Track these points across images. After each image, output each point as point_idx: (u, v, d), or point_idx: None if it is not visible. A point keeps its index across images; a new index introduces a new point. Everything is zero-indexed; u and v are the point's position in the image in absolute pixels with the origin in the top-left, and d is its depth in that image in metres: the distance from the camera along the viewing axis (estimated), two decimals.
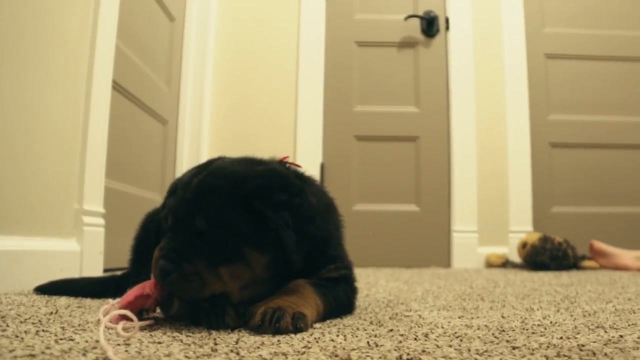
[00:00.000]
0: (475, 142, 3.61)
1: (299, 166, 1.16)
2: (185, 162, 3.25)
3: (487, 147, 3.62)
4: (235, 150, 3.45)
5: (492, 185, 3.60)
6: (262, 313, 0.90)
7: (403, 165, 3.64)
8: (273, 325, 0.88)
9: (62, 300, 1.28)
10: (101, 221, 2.00)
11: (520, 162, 3.62)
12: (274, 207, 0.96)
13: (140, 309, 0.97)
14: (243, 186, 0.97)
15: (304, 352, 0.75)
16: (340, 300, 1.11)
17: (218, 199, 0.96)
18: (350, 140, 3.66)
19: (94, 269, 1.91)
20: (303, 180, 1.13)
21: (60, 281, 1.48)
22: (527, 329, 0.97)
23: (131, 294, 0.97)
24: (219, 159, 1.08)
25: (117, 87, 2.30)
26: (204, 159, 3.37)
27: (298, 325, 0.90)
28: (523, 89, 3.68)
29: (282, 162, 1.14)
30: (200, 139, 3.36)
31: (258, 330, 0.88)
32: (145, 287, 0.97)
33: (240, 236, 0.95)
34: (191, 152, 3.30)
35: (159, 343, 0.78)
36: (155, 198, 2.81)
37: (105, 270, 2.01)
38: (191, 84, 3.34)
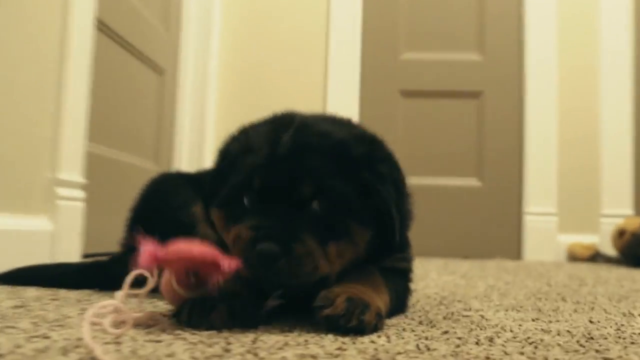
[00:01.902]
0: (556, 99, 3.54)
1: None
2: (187, 121, 3.28)
3: (572, 105, 3.56)
4: (249, 108, 3.48)
5: (579, 154, 3.54)
6: (347, 301, 0.91)
7: (462, 128, 3.62)
8: (357, 318, 0.90)
9: (31, 292, 1.32)
10: (81, 194, 2.04)
11: (617, 125, 3.54)
12: (381, 180, 1.00)
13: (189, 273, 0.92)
14: (349, 151, 1.00)
15: (338, 355, 0.76)
16: (399, 299, 1.16)
17: (324, 161, 0.97)
18: (394, 96, 3.64)
19: (71, 254, 1.95)
20: None
21: (27, 268, 1.51)
22: (623, 338, 0.98)
23: (194, 248, 0.91)
24: (291, 113, 1.09)
25: (101, 26, 2.32)
26: (210, 116, 3.41)
27: (378, 324, 0.93)
28: (625, 26, 3.57)
29: None
30: (206, 92, 3.38)
31: (337, 321, 0.90)
32: (218, 255, 0.91)
33: (347, 208, 0.97)
34: (194, 109, 3.33)
35: (158, 342, 0.80)
36: (148, 166, 2.86)
37: (85, 257, 2.05)
38: (195, 24, 3.35)
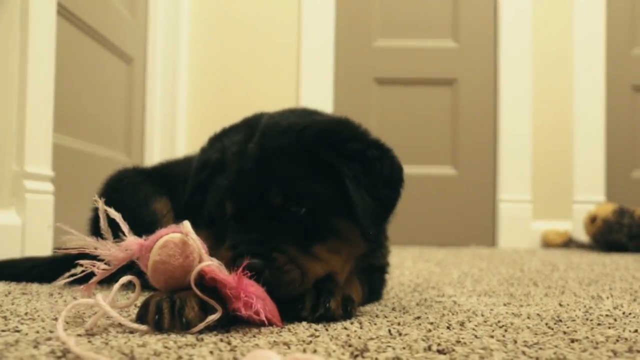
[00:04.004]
0: (530, 86, 3.58)
1: None
2: (158, 111, 3.25)
3: (546, 92, 3.60)
4: (221, 97, 3.47)
5: (552, 142, 3.59)
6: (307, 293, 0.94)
7: (436, 115, 3.64)
8: (324, 306, 0.92)
9: (0, 286, 1.32)
10: (49, 187, 2.02)
11: (590, 112, 3.59)
12: (343, 157, 1.00)
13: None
14: (306, 139, 1.00)
15: (310, 342, 0.78)
16: (373, 291, 1.19)
17: (288, 162, 0.98)
18: (368, 83, 3.65)
19: (41, 248, 1.93)
20: None
21: None
22: (591, 320, 1.01)
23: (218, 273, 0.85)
24: (262, 114, 1.10)
25: (64, 12, 2.29)
26: (181, 106, 3.39)
27: (348, 308, 0.96)
28: (598, 12, 3.62)
29: None
30: (177, 81, 3.35)
31: (300, 312, 0.92)
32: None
33: (324, 204, 0.98)
34: (165, 99, 3.30)
35: (131, 333, 0.82)
36: (119, 158, 2.84)
37: (56, 250, 2.04)
38: (163, 9, 3.31)
